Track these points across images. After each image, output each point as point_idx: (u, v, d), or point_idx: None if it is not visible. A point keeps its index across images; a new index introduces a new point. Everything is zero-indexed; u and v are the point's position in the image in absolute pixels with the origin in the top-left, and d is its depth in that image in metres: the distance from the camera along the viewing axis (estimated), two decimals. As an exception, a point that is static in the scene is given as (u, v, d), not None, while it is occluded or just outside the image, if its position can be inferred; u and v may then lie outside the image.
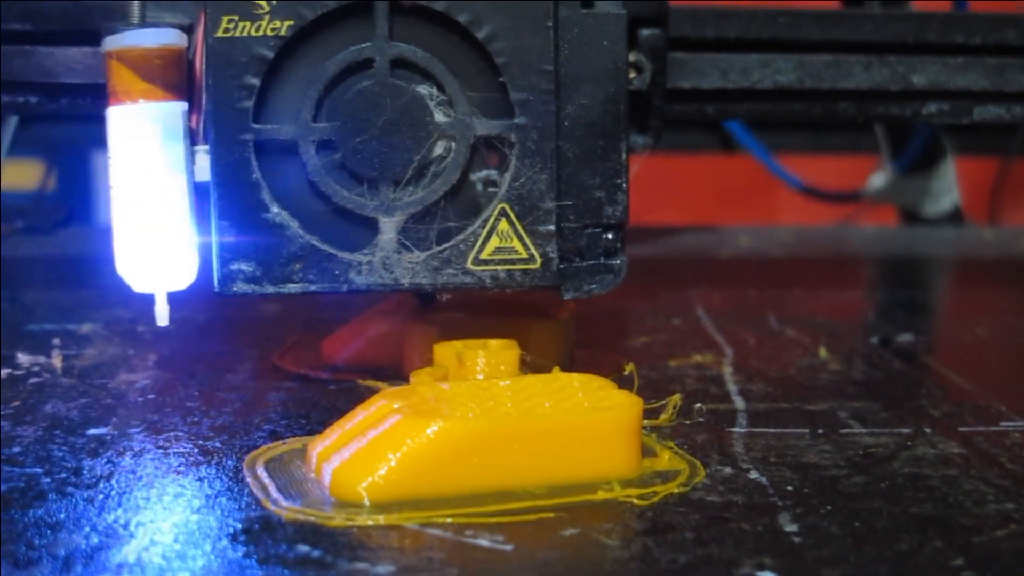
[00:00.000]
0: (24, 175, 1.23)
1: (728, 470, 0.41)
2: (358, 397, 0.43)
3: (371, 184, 0.45)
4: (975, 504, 0.38)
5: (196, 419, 0.46)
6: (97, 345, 0.58)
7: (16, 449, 0.42)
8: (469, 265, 0.45)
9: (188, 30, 0.46)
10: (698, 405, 0.48)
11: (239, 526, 0.36)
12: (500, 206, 0.45)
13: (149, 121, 0.45)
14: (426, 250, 0.45)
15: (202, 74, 0.45)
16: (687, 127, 1.13)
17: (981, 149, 1.26)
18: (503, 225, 0.45)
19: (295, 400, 0.49)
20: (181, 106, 0.45)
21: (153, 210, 0.45)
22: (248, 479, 0.40)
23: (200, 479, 0.40)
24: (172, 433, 0.45)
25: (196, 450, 0.43)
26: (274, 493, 0.38)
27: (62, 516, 0.36)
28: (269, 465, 0.41)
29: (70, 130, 1.20)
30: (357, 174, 0.45)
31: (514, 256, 0.45)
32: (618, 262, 0.46)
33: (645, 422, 0.43)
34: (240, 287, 0.45)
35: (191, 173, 0.45)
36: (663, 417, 0.46)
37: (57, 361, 0.54)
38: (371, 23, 0.44)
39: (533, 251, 0.45)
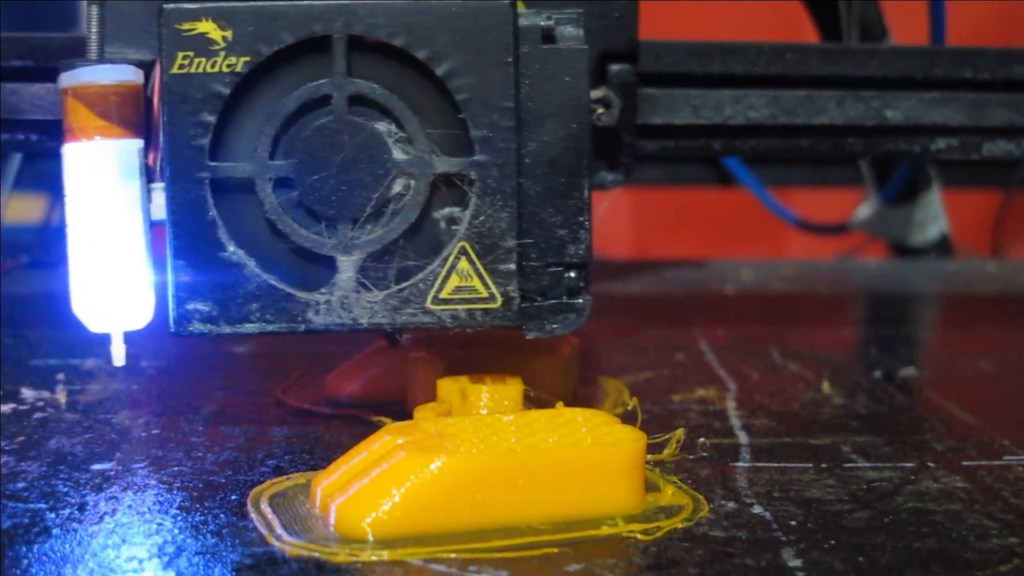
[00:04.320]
0: (28, 210, 1.21)
1: (732, 505, 0.41)
2: (362, 432, 0.43)
3: (329, 222, 0.43)
4: (978, 539, 0.38)
5: (200, 454, 0.46)
6: (101, 380, 0.57)
7: (20, 484, 0.42)
8: (429, 304, 0.44)
9: (149, 66, 0.45)
10: (701, 440, 0.47)
11: (244, 562, 0.36)
12: (460, 244, 0.43)
13: (105, 158, 0.43)
14: (385, 289, 0.44)
15: (159, 111, 0.43)
16: (684, 162, 1.12)
17: (983, 182, 1.24)
18: (463, 264, 0.44)
19: (299, 435, 0.48)
20: (137, 143, 0.44)
21: (109, 248, 0.43)
22: (252, 515, 0.39)
23: (204, 515, 0.40)
24: (176, 468, 0.44)
25: (200, 485, 0.42)
26: (278, 529, 0.38)
27: (66, 552, 0.36)
28: (273, 501, 0.41)
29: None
30: (315, 212, 0.43)
31: (475, 295, 0.44)
32: (581, 301, 0.45)
33: (648, 457, 0.43)
34: (196, 327, 0.43)
35: (147, 211, 0.44)
36: (666, 452, 0.45)
37: (61, 396, 0.54)
38: (329, 59, 0.43)
39: (494, 290, 0.44)
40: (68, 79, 0.43)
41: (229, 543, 0.37)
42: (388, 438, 0.40)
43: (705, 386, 0.57)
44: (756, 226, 1.27)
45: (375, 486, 0.38)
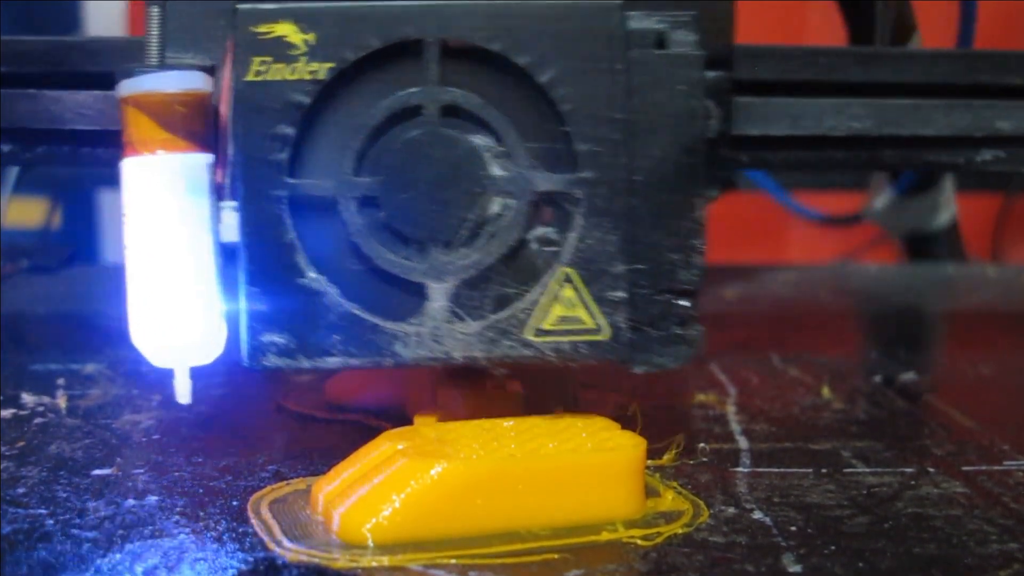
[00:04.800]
0: (28, 214, 1.19)
1: (732, 510, 0.40)
2: (362, 438, 0.41)
3: (419, 246, 0.39)
4: (978, 544, 0.37)
5: (200, 459, 0.44)
6: (102, 385, 0.56)
7: (20, 490, 0.41)
8: (529, 336, 0.39)
9: (210, 72, 0.40)
10: (701, 445, 0.46)
11: (244, 567, 0.35)
12: (564, 270, 0.39)
13: (170, 174, 0.39)
14: (480, 319, 0.39)
15: (229, 122, 0.39)
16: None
17: (984, 186, 1.22)
18: (567, 292, 0.39)
19: (299, 440, 0.47)
20: (206, 158, 0.39)
21: (173, 275, 0.39)
22: (252, 520, 0.39)
23: (205, 520, 0.39)
24: (176, 474, 0.43)
25: (200, 491, 0.41)
26: (278, 534, 0.38)
27: (66, 558, 0.36)
28: (273, 506, 0.40)
29: (75, 168, 1.15)
30: (403, 235, 0.39)
31: (580, 326, 0.39)
32: (693, 332, 0.40)
33: (649, 462, 0.42)
34: (272, 361, 0.39)
35: (217, 233, 0.39)
36: (666, 457, 0.45)
37: (62, 401, 0.52)
38: (420, 66, 0.38)
39: (601, 321, 0.39)
40: (129, 87, 0.39)
41: (230, 549, 0.37)
42: (388, 443, 0.39)
43: (705, 391, 0.56)
44: (755, 229, 1.25)
45: (375, 492, 0.37)
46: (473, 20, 0.38)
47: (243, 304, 0.39)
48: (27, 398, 0.53)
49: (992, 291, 0.91)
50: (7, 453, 0.45)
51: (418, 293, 0.39)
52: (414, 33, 0.38)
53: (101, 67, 0.46)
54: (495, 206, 0.39)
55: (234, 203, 0.39)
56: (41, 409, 0.51)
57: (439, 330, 0.39)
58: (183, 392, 0.40)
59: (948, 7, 0.78)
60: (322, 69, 0.38)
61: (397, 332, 0.39)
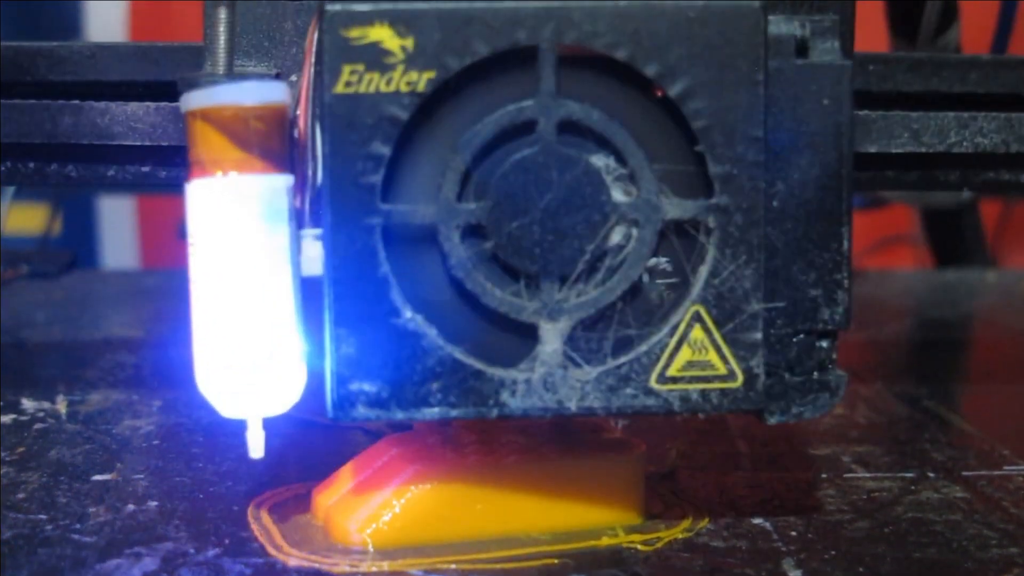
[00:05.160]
0: (29, 220, 1.17)
1: (732, 515, 0.40)
2: (363, 443, 0.42)
3: (531, 281, 0.34)
4: (978, 549, 0.37)
5: (200, 465, 0.44)
6: (102, 391, 0.56)
7: (21, 495, 0.41)
8: (653, 384, 0.34)
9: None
10: (701, 449, 0.46)
11: (244, 572, 0.35)
12: (693, 309, 0.34)
13: (245, 198, 0.34)
14: (599, 365, 0.34)
15: (307, 139, 0.34)
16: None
17: (982, 191, 1.18)
18: (697, 333, 0.34)
19: (299, 445, 0.46)
20: (285, 180, 0.34)
21: (248, 312, 0.34)
22: (253, 525, 0.38)
23: (205, 525, 0.38)
24: (176, 479, 0.43)
25: (201, 496, 0.41)
26: (279, 539, 0.37)
27: (66, 563, 0.36)
28: (273, 511, 0.39)
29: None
30: (513, 268, 0.34)
31: (710, 372, 0.34)
32: (834, 377, 0.35)
33: (649, 467, 0.41)
34: (362, 412, 0.34)
35: (297, 265, 0.34)
36: (667, 462, 0.44)
37: (62, 407, 0.52)
38: (533, 76, 0.33)
39: (734, 365, 0.35)
40: (198, 99, 0.34)
41: (230, 554, 0.36)
42: (389, 448, 0.38)
43: None
44: None
45: (375, 497, 0.37)
46: (595, 23, 0.33)
47: (329, 347, 0.34)
48: (27, 404, 0.52)
49: (991, 296, 0.90)
50: (7, 459, 0.45)
51: (529, 335, 0.34)
52: (527, 38, 0.33)
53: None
54: (617, 236, 0.34)
55: (318, 231, 0.34)
56: (41, 415, 0.51)
57: (552, 377, 0.34)
58: (256, 446, 0.35)
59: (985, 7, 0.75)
60: (422, 79, 0.33)
61: (504, 379, 0.34)
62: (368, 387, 0.34)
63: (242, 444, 0.42)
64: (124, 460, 0.45)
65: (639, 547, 0.37)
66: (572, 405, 0.34)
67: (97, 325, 0.73)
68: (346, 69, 0.33)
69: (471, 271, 0.34)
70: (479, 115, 0.34)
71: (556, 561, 0.36)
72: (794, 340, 0.35)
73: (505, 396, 0.34)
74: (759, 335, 0.34)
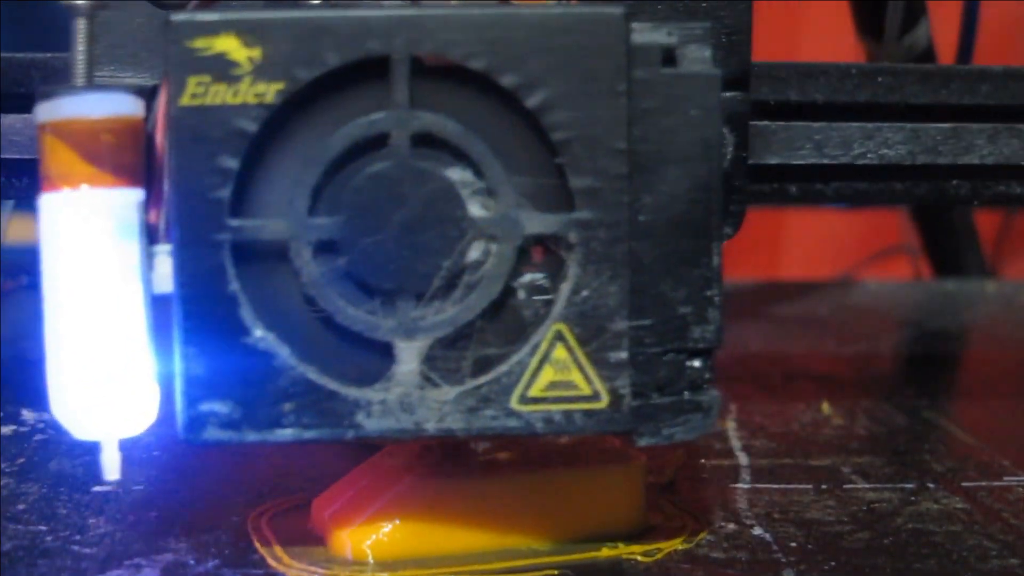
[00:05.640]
0: (29, 231, 1.15)
1: (732, 526, 0.40)
2: (363, 454, 0.40)
3: (386, 299, 0.33)
4: (979, 560, 0.37)
5: (200, 475, 0.44)
6: None
7: (20, 507, 0.40)
8: (514, 404, 0.33)
9: (151, 94, 0.34)
10: (701, 461, 0.46)
11: None
12: (556, 327, 0.33)
13: (95, 213, 0.33)
14: (458, 385, 0.33)
15: (165, 153, 0.33)
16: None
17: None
18: (559, 352, 0.33)
19: (300, 456, 0.45)
20: (137, 194, 0.33)
21: (98, 332, 0.33)
22: (253, 536, 0.38)
23: (205, 536, 0.38)
24: (177, 490, 0.42)
25: (201, 507, 0.40)
26: (279, 550, 0.37)
27: (67, 574, 0.35)
28: (274, 522, 0.39)
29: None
30: (368, 285, 0.33)
31: (573, 392, 0.33)
32: (707, 397, 0.34)
33: (649, 478, 0.41)
34: (213, 433, 0.33)
35: (149, 283, 0.33)
36: (667, 473, 0.44)
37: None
38: (386, 87, 0.32)
39: (599, 386, 0.33)
40: (47, 112, 0.33)
41: (230, 565, 0.36)
42: (389, 458, 0.38)
43: None
44: (757, 245, 1.19)
45: (376, 508, 0.36)
46: (450, 33, 0.32)
47: (179, 368, 0.32)
48: (27, 415, 0.52)
49: (991, 307, 0.90)
50: (7, 470, 0.44)
51: (385, 354, 0.33)
52: (380, 48, 0.32)
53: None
54: (475, 252, 0.33)
55: (168, 248, 0.33)
56: (41, 425, 0.50)
57: (409, 397, 0.33)
58: (111, 468, 0.34)
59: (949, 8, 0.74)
60: (270, 91, 0.32)
61: (360, 400, 0.33)
62: (219, 408, 0.33)
63: (242, 454, 0.44)
64: (124, 471, 0.43)
65: (639, 558, 0.37)
66: (430, 427, 0.33)
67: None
68: (192, 81, 0.32)
69: (324, 288, 0.32)
70: (332, 127, 0.32)
71: (556, 572, 0.36)
72: (664, 359, 0.33)
73: (360, 417, 0.33)
74: (625, 354, 0.33)
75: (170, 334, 0.33)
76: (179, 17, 0.32)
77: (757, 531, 0.39)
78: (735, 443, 0.49)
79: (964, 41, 0.69)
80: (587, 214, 0.32)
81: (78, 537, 0.38)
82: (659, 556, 0.37)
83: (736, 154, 0.40)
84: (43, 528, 0.39)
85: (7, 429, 0.50)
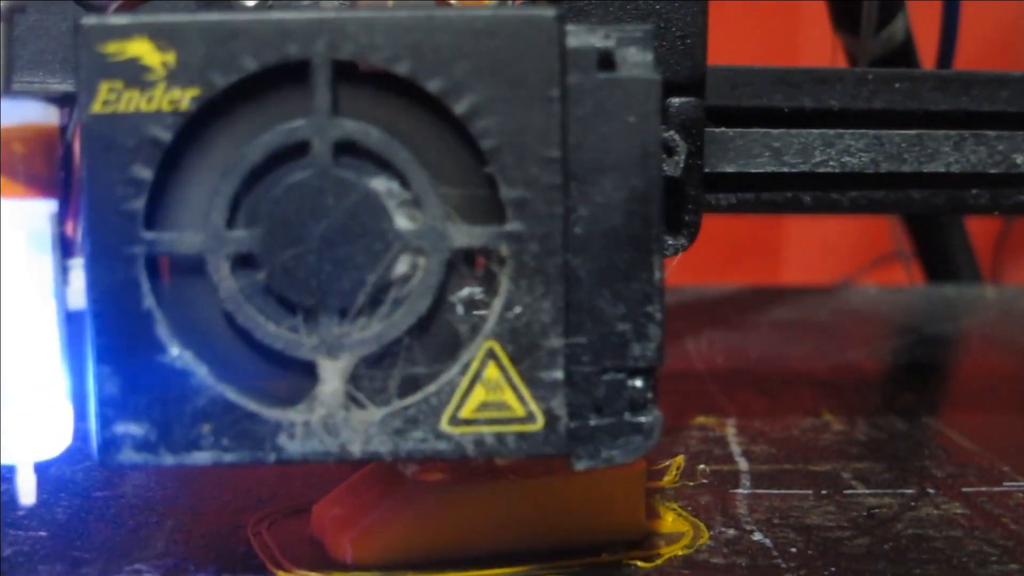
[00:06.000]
0: None
1: (732, 532, 0.40)
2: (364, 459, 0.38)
3: (308, 315, 0.31)
4: (978, 565, 0.37)
5: (200, 480, 0.43)
6: None
7: (20, 512, 0.40)
8: (444, 426, 0.31)
9: (70, 101, 0.32)
10: (701, 466, 0.45)
11: None
12: (487, 345, 0.31)
13: (6, 225, 0.31)
14: (384, 406, 0.31)
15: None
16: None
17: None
18: (491, 371, 0.31)
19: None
20: (49, 206, 0.31)
21: (8, 350, 0.31)
22: (253, 541, 0.38)
23: (205, 541, 0.38)
24: (176, 494, 0.42)
25: (201, 511, 0.40)
26: (278, 555, 0.37)
27: None
28: (274, 527, 0.39)
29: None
30: (289, 301, 0.31)
31: (506, 414, 0.31)
32: (648, 419, 0.32)
33: (648, 484, 0.41)
34: (128, 456, 0.31)
35: (63, 298, 0.31)
36: (667, 479, 0.44)
37: None
38: (307, 93, 0.30)
39: (532, 407, 0.31)
40: (-46, 119, 0.31)
41: (230, 570, 0.36)
42: (390, 464, 0.37)
43: (705, 412, 0.55)
44: (757, 251, 1.19)
45: (376, 513, 0.36)
46: (372, 36, 0.30)
47: (92, 387, 0.31)
48: None
49: (991, 312, 0.89)
50: (7, 475, 0.41)
51: (307, 373, 0.31)
52: (299, 52, 0.30)
53: None
54: (402, 266, 0.31)
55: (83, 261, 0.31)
56: None
57: (333, 419, 0.31)
58: (26, 491, 0.32)
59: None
60: (185, 97, 0.30)
61: (281, 421, 0.31)
62: (134, 429, 0.31)
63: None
64: (124, 476, 0.44)
65: (639, 563, 0.37)
66: (355, 449, 0.31)
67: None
68: (103, 87, 0.30)
69: (243, 304, 0.31)
70: (250, 136, 0.31)
71: None
72: (602, 379, 0.32)
73: (283, 439, 0.31)
74: (560, 373, 0.31)
75: (84, 351, 0.31)
76: (89, 20, 0.30)
77: (757, 536, 0.39)
78: (735, 448, 0.49)
79: (944, 45, 0.68)
80: (518, 226, 0.31)
81: (78, 542, 0.38)
82: (659, 562, 0.37)
83: (690, 162, 0.38)
84: (43, 534, 0.38)
85: (6, 434, 0.50)
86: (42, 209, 0.31)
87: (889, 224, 1.08)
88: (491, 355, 0.31)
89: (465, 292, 0.32)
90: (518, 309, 0.31)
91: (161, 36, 0.30)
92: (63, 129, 0.33)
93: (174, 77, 0.30)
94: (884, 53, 0.69)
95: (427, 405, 0.31)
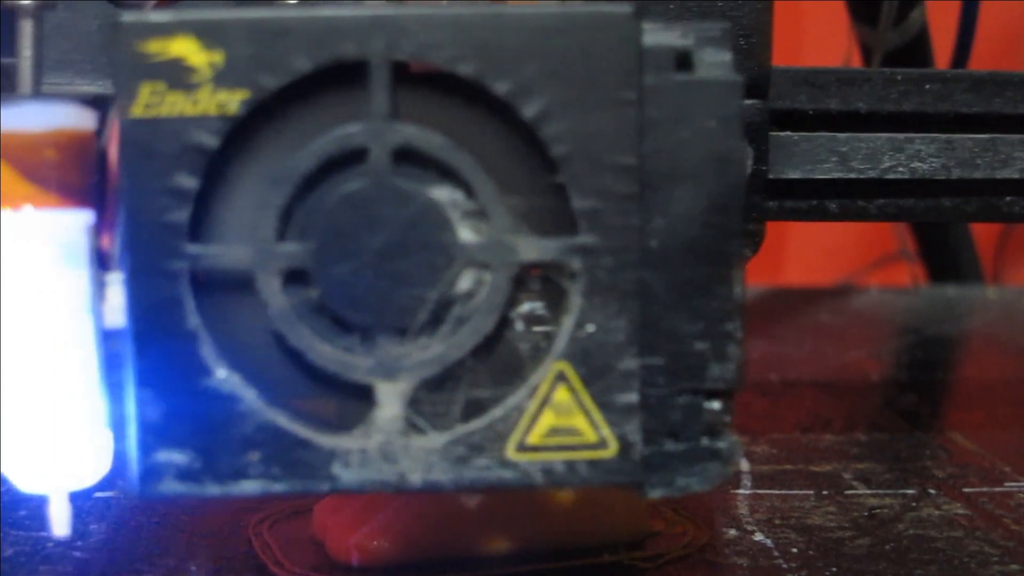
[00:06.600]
0: None
1: (733, 532, 0.39)
2: None
3: (365, 335, 0.28)
4: (979, 566, 0.37)
5: None
6: None
7: (22, 512, 0.40)
8: (510, 454, 0.29)
9: (104, 103, 0.30)
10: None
11: None
12: (557, 367, 0.29)
13: (38, 238, 0.28)
14: (446, 431, 0.29)
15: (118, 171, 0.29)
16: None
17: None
18: (561, 394, 0.29)
19: None
20: (85, 217, 0.29)
21: (42, 373, 0.29)
22: (254, 542, 0.38)
23: (206, 542, 0.38)
24: (178, 496, 0.38)
25: (202, 512, 0.40)
26: (280, 556, 0.37)
27: None
28: (275, 528, 0.39)
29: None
30: (344, 319, 0.28)
31: (577, 440, 0.29)
32: (726, 444, 0.30)
33: None
34: (170, 486, 0.29)
35: (100, 316, 0.29)
36: None
37: None
38: (364, 96, 0.28)
39: (605, 432, 0.29)
40: (-17, 123, 0.28)
41: (231, 570, 0.36)
42: None
43: None
44: (759, 252, 1.16)
45: (377, 514, 0.36)
46: (434, 34, 0.28)
47: (132, 413, 0.28)
48: None
49: (992, 313, 0.88)
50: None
51: (363, 397, 0.29)
52: (355, 52, 0.28)
53: None
54: (465, 281, 0.29)
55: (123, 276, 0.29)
56: None
57: (391, 446, 0.29)
58: (60, 522, 0.30)
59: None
60: (233, 100, 0.28)
61: (336, 449, 0.28)
62: (177, 457, 0.28)
63: None
64: (125, 477, 0.43)
65: (640, 564, 0.37)
66: (416, 479, 0.29)
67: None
68: (145, 89, 0.28)
69: (294, 323, 0.28)
70: (300, 141, 0.28)
71: None
72: (677, 401, 0.29)
73: (337, 468, 0.29)
74: (635, 397, 0.29)
75: (123, 373, 0.29)
76: (130, 17, 0.27)
77: (758, 537, 0.39)
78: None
79: (961, 44, 0.66)
80: (591, 239, 0.28)
81: (80, 543, 0.38)
82: (660, 562, 0.37)
83: (754, 167, 0.36)
84: (44, 534, 0.38)
85: (7, 436, 0.49)
86: (77, 221, 0.29)
87: (892, 225, 1.07)
88: (561, 377, 0.29)
89: (526, 307, 0.29)
90: (590, 328, 0.28)
91: (208, 34, 0.27)
92: (97, 134, 0.30)
93: (221, 78, 0.28)
94: (900, 43, 0.67)
95: (492, 431, 0.29)
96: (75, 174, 0.29)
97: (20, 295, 0.28)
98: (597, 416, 0.29)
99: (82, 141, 0.29)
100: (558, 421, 0.29)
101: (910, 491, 0.44)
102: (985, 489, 0.44)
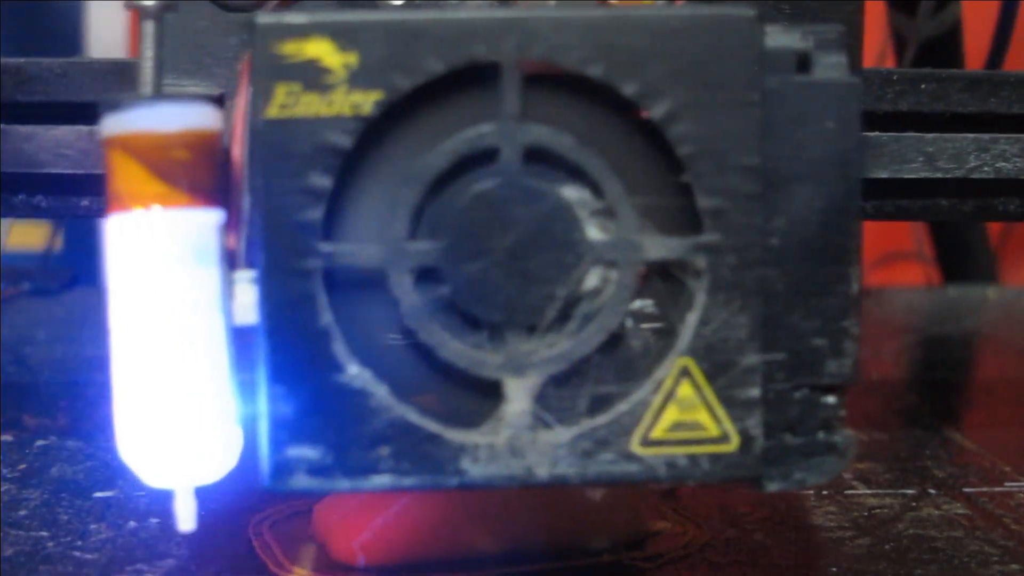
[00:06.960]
0: (30, 237, 1.14)
1: (732, 532, 0.39)
2: None
3: (494, 331, 0.29)
4: (980, 566, 0.37)
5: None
6: (103, 407, 0.54)
7: (22, 513, 0.40)
8: (635, 448, 0.29)
9: (219, 103, 0.30)
10: None
11: None
12: (681, 362, 0.29)
13: (168, 237, 0.29)
14: (573, 426, 0.29)
15: (243, 170, 0.29)
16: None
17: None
18: (685, 390, 0.29)
19: None
20: (215, 216, 0.29)
21: (172, 369, 0.29)
22: (254, 542, 0.38)
23: (207, 542, 0.38)
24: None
25: (202, 513, 0.37)
26: (280, 556, 0.37)
27: None
28: (275, 528, 0.39)
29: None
30: (474, 317, 0.29)
31: (700, 434, 0.29)
32: (841, 438, 0.30)
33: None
34: (301, 481, 0.29)
35: (229, 314, 0.29)
36: None
37: (63, 424, 0.52)
38: (494, 97, 0.28)
39: (727, 426, 0.29)
40: (114, 124, 0.29)
41: (232, 571, 0.36)
42: None
43: None
44: None
45: (377, 514, 0.36)
46: (564, 36, 0.28)
47: (263, 408, 0.29)
48: (28, 420, 0.52)
49: (993, 313, 0.88)
50: (8, 476, 0.44)
51: (492, 393, 0.29)
52: (488, 53, 0.28)
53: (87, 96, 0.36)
54: (593, 279, 0.29)
55: (251, 274, 0.29)
56: (42, 432, 0.50)
57: (519, 440, 0.29)
58: (186, 518, 0.30)
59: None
60: (368, 101, 0.28)
61: (465, 443, 0.29)
62: (309, 453, 0.29)
63: (243, 460, 0.39)
64: (125, 477, 0.41)
65: (639, 564, 0.37)
66: (542, 472, 0.29)
67: (98, 342, 0.71)
68: (280, 90, 0.28)
69: (426, 321, 0.29)
70: (433, 142, 0.28)
71: None
72: (795, 396, 0.30)
73: (466, 463, 0.29)
74: (757, 392, 0.29)
75: (250, 370, 0.29)
76: (265, 19, 0.28)
77: (758, 536, 0.39)
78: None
79: (998, 42, 0.66)
80: (715, 237, 0.29)
81: (79, 543, 0.38)
82: (660, 562, 0.37)
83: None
84: (44, 534, 0.38)
85: (8, 436, 0.49)
86: (208, 220, 0.29)
87: (901, 223, 1.07)
88: (685, 373, 0.29)
89: (636, 304, 0.30)
90: (714, 324, 0.29)
91: (343, 36, 0.28)
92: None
93: (356, 79, 0.28)
94: (936, 34, 0.68)
95: (618, 425, 0.29)
96: (204, 174, 0.29)
97: (151, 293, 0.29)
98: (720, 411, 0.29)
99: (211, 141, 0.29)
100: (682, 416, 0.29)
101: (910, 491, 0.44)
102: (985, 489, 0.44)
